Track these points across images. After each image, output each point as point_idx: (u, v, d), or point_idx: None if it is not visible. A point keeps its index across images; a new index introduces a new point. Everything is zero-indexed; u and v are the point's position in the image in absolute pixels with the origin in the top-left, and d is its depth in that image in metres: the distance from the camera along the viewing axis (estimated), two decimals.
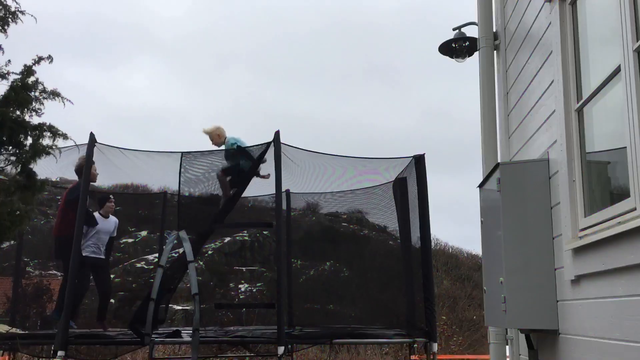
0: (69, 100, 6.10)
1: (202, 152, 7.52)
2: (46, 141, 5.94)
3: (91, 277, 7.88)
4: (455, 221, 35.97)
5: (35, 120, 5.99)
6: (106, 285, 8.07)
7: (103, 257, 7.95)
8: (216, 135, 7.77)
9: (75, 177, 7.80)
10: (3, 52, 6.05)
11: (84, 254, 7.35)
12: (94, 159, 7.17)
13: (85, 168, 6.93)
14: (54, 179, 8.12)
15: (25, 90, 5.83)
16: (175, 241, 6.93)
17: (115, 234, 8.28)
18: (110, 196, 8.33)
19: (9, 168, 5.91)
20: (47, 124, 5.95)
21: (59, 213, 7.78)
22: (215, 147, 7.66)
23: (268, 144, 7.11)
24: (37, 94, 5.95)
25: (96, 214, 7.96)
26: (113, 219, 8.22)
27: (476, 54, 5.31)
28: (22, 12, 6.01)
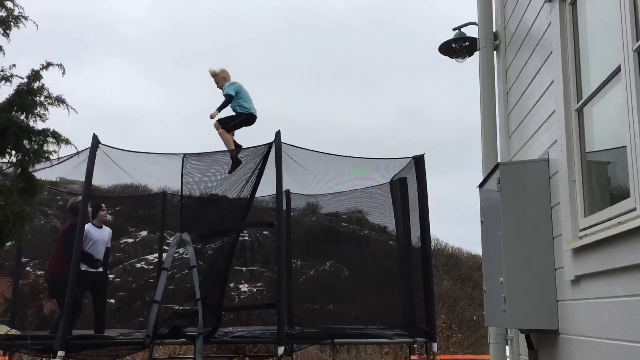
0: (73, 109, 6.04)
1: (203, 154, 7.53)
2: (51, 147, 5.90)
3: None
4: (442, 220, 35.70)
5: (39, 125, 5.94)
6: (102, 298, 7.88)
7: (100, 270, 7.77)
8: (221, 79, 7.75)
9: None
10: (4, 54, 6.04)
11: (81, 269, 7.21)
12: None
13: (88, 167, 6.95)
14: (53, 179, 8.10)
15: (30, 95, 5.79)
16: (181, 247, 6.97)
17: (109, 245, 8.12)
18: (102, 205, 8.14)
19: (10, 170, 5.89)
20: (51, 129, 5.90)
21: (55, 252, 7.52)
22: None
23: (270, 144, 7.12)
24: (42, 99, 5.89)
25: (90, 225, 7.70)
26: (107, 229, 8.06)
27: (476, 53, 5.32)
28: (25, 18, 5.99)
